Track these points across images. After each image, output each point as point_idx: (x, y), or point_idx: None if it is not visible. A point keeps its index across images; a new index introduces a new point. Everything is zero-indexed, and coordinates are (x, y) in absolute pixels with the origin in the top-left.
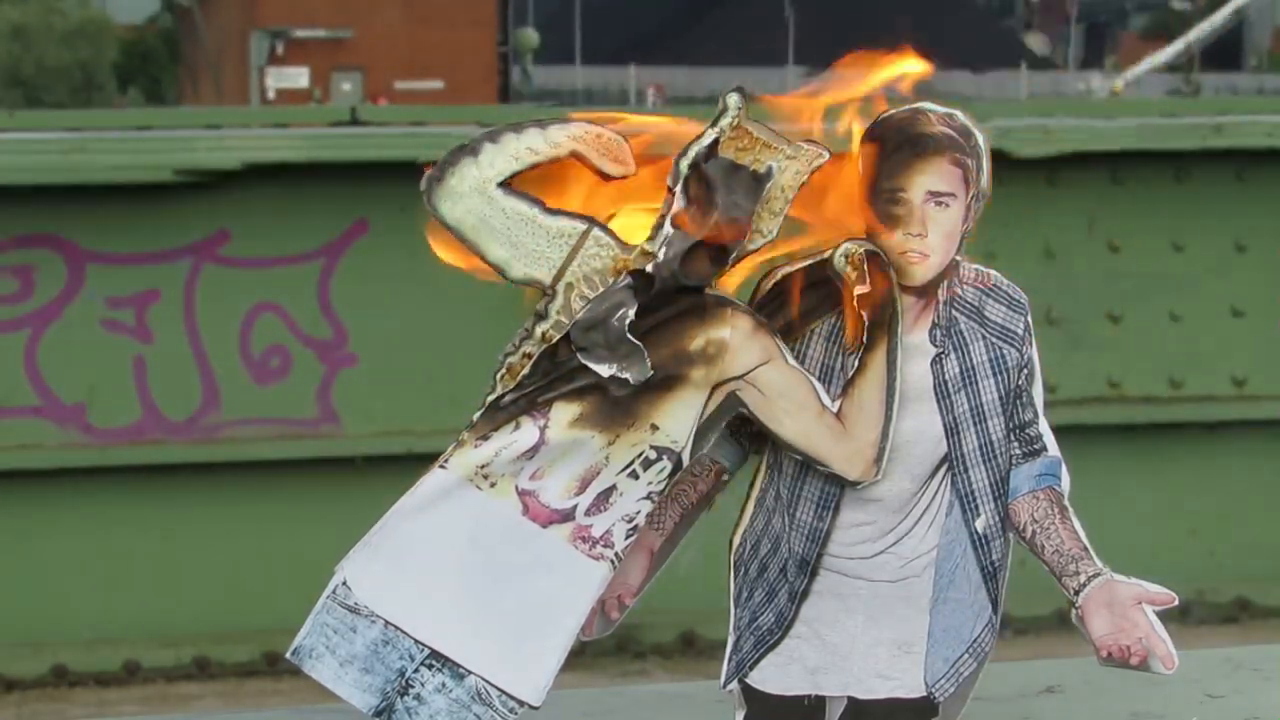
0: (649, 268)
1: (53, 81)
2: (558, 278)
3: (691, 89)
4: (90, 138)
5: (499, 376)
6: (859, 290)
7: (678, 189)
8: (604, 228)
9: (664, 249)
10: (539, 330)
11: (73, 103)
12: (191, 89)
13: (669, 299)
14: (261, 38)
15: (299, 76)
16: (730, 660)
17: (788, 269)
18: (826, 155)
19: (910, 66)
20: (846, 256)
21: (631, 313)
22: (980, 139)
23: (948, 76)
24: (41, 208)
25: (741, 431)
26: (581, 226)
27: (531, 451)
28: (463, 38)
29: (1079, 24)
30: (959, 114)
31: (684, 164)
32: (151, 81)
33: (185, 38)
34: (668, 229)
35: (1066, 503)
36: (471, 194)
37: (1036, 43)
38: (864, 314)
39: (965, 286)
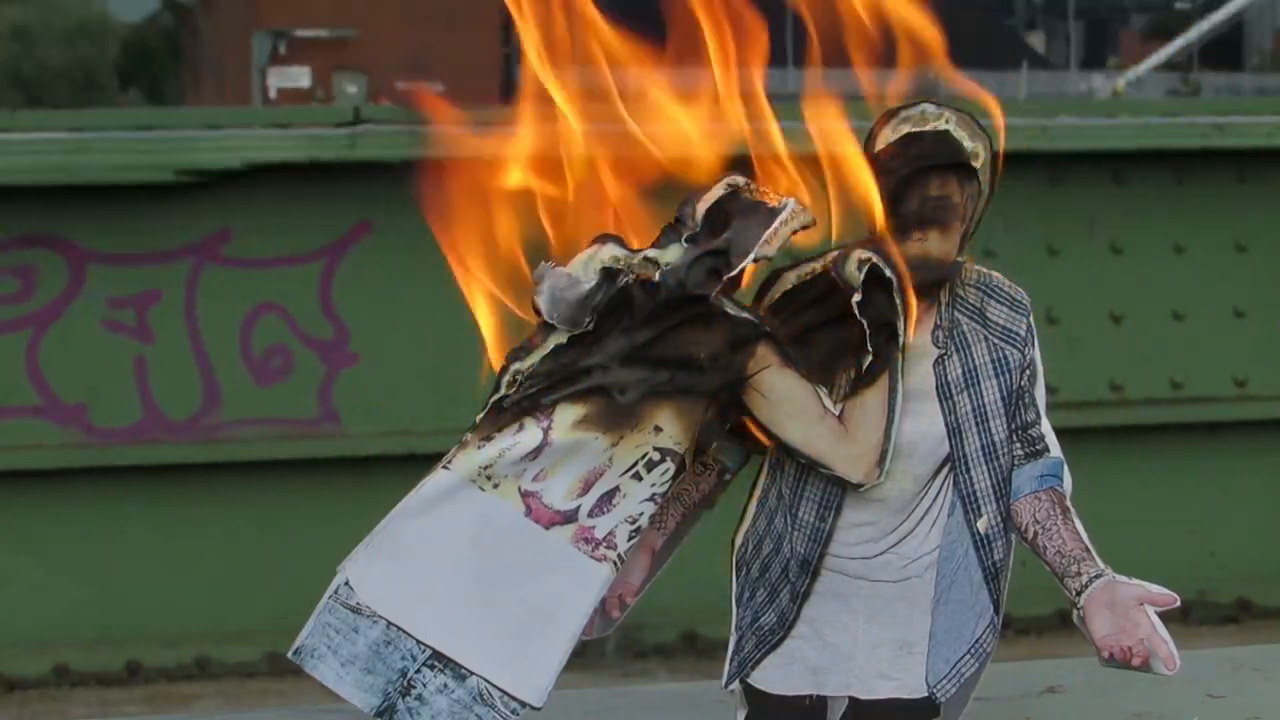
0: (655, 276)
1: (54, 81)
2: None
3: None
4: (91, 138)
5: (504, 378)
6: (857, 297)
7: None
8: (618, 241)
9: (668, 258)
10: (548, 336)
11: (74, 102)
12: (193, 89)
13: (674, 307)
14: (263, 37)
15: (301, 76)
16: (732, 660)
17: (794, 273)
18: (810, 219)
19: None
20: (859, 263)
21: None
22: (981, 140)
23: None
24: (42, 208)
25: (744, 432)
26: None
27: (535, 453)
28: (465, 38)
29: (1079, 21)
30: (958, 114)
31: (701, 207)
32: (153, 81)
33: (187, 37)
34: (678, 247)
35: (1069, 503)
36: None
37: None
38: (867, 318)
39: (967, 288)
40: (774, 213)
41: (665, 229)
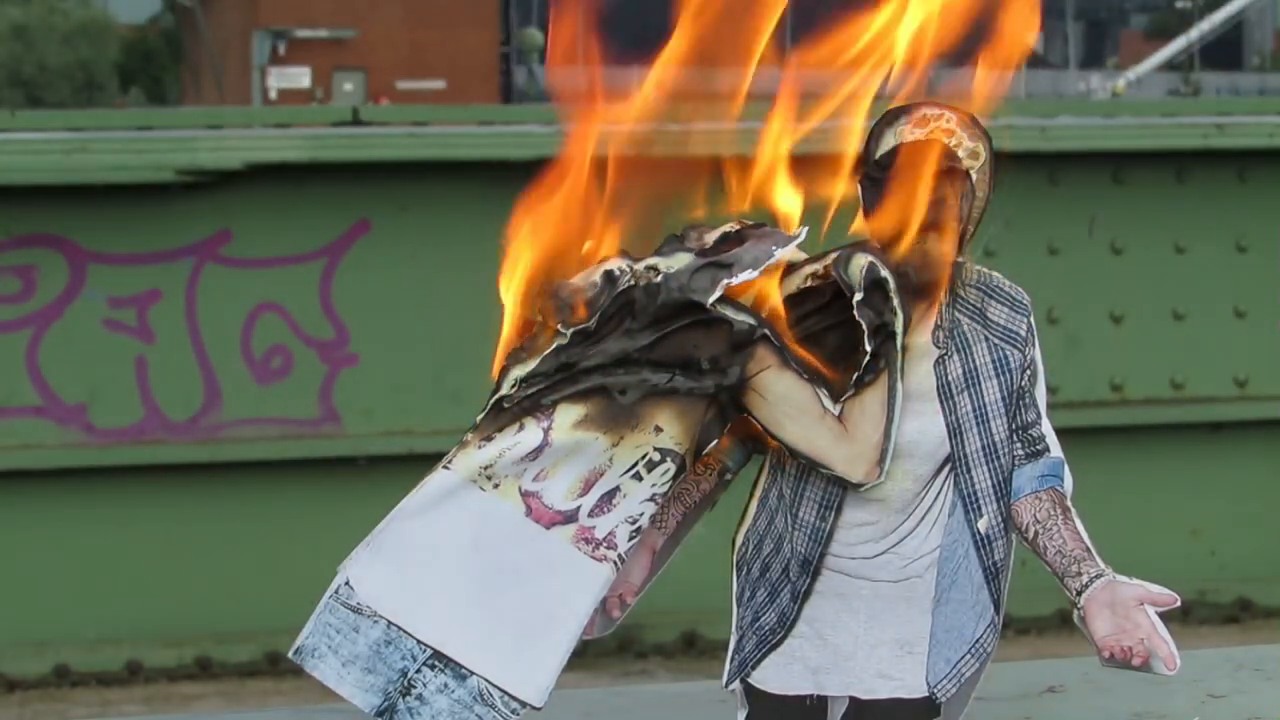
0: (658, 279)
1: (54, 81)
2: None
3: (694, 87)
4: (92, 138)
5: (505, 379)
6: (857, 297)
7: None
8: (623, 254)
9: (671, 266)
10: (550, 339)
11: (74, 102)
12: (193, 89)
13: (676, 310)
14: (263, 37)
15: (301, 76)
16: (732, 660)
17: (797, 278)
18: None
19: None
20: (859, 265)
21: (637, 324)
22: (981, 141)
23: (947, 75)
24: (43, 208)
25: (745, 432)
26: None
27: (535, 453)
28: (464, 38)
29: (1078, 21)
30: (957, 115)
31: (711, 236)
32: (153, 81)
33: (187, 37)
34: (684, 255)
35: (1069, 503)
36: None
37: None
38: (865, 319)
39: (968, 288)
40: (788, 239)
41: (669, 238)
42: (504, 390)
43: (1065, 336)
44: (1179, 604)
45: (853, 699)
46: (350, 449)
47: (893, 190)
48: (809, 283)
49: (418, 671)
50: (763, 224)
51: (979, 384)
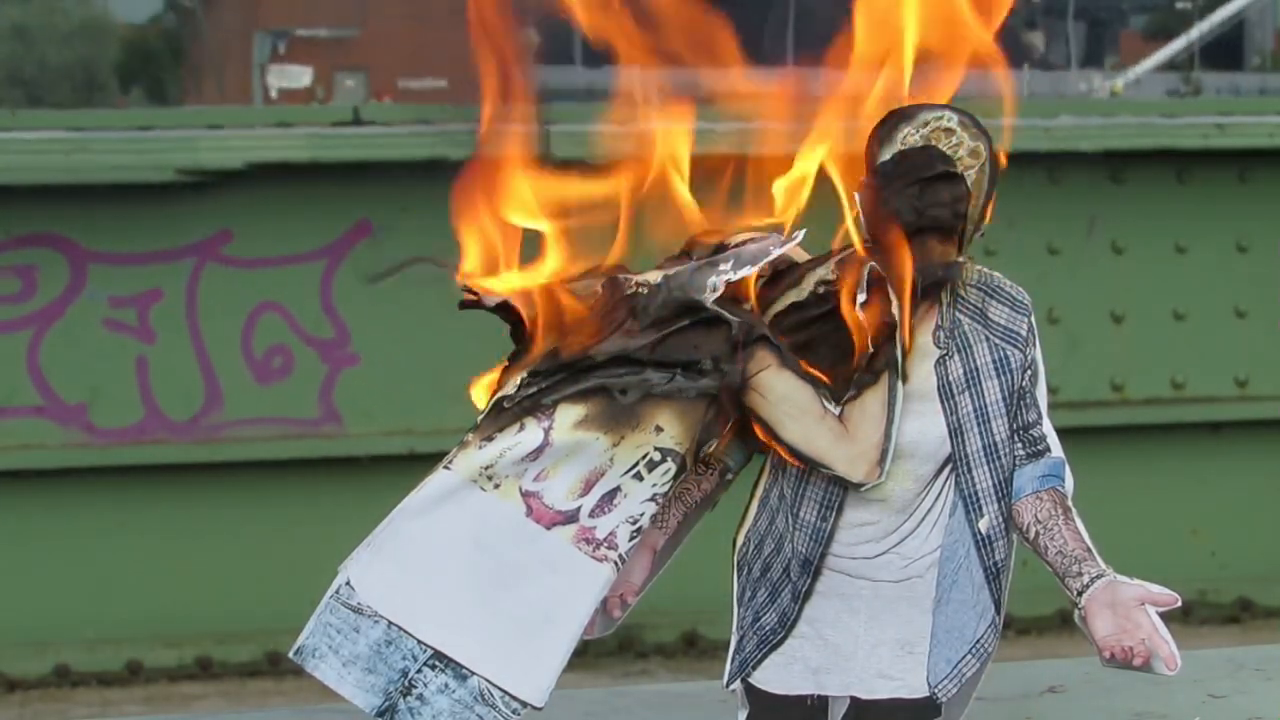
0: (658, 280)
1: (55, 81)
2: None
3: (693, 87)
4: (92, 137)
5: (506, 379)
6: (861, 297)
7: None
8: (622, 268)
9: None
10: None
11: (75, 102)
12: (194, 88)
13: (676, 311)
14: (264, 37)
15: (302, 75)
16: (733, 660)
17: (798, 287)
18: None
19: None
20: (870, 272)
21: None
22: (983, 139)
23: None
24: (44, 207)
25: (746, 431)
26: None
27: (536, 453)
28: (465, 37)
29: (1078, 21)
30: (957, 115)
31: (712, 244)
32: (154, 81)
33: (187, 37)
34: (686, 265)
35: (1070, 503)
36: None
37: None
38: (866, 321)
39: (969, 288)
40: (786, 240)
41: (671, 257)
42: (505, 390)
43: (1065, 336)
44: (1180, 604)
45: (853, 699)
46: (350, 449)
47: (893, 195)
48: (818, 288)
49: (418, 672)
50: (760, 230)
51: (980, 384)
